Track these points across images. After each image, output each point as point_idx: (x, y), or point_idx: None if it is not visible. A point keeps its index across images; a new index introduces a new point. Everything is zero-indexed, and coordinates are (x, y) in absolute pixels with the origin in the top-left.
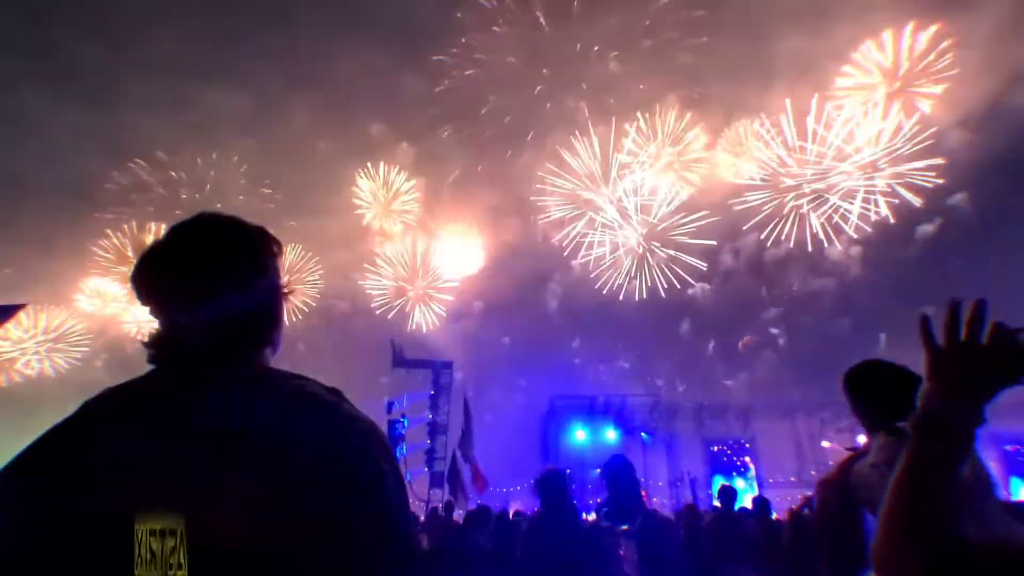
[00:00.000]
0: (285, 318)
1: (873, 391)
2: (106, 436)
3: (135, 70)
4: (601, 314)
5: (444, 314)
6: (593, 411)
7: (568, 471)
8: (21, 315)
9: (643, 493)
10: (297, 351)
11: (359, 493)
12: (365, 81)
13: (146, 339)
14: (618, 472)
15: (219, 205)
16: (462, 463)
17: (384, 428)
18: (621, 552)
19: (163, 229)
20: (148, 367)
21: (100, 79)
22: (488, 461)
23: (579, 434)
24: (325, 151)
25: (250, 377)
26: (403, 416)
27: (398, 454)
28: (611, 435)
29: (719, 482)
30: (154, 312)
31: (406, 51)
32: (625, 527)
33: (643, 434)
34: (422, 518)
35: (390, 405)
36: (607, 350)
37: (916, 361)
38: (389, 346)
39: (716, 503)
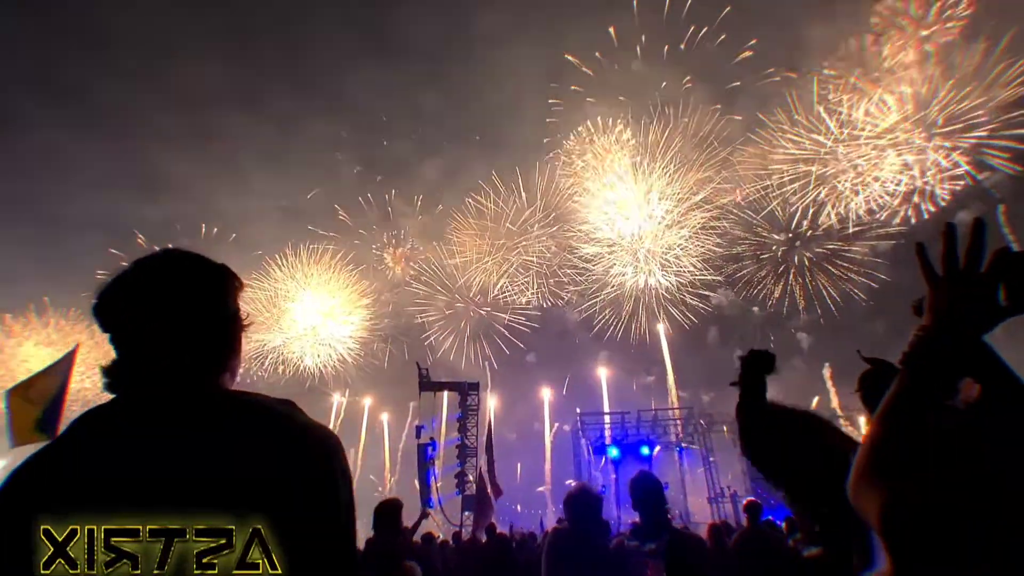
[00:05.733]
0: (242, 347)
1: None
2: (81, 464)
3: (159, 105)
4: (624, 328)
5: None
6: (624, 427)
7: (604, 488)
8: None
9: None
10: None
11: (314, 495)
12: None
13: (105, 366)
14: (645, 488)
15: (234, 235)
16: (486, 481)
17: (415, 453)
18: (648, 573)
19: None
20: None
21: (125, 116)
22: (515, 481)
23: (612, 451)
24: (348, 173)
25: (205, 399)
26: (432, 440)
27: (429, 478)
28: (645, 450)
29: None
30: (114, 340)
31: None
32: (652, 547)
33: (679, 446)
34: (450, 542)
35: (419, 429)
36: (632, 364)
37: None
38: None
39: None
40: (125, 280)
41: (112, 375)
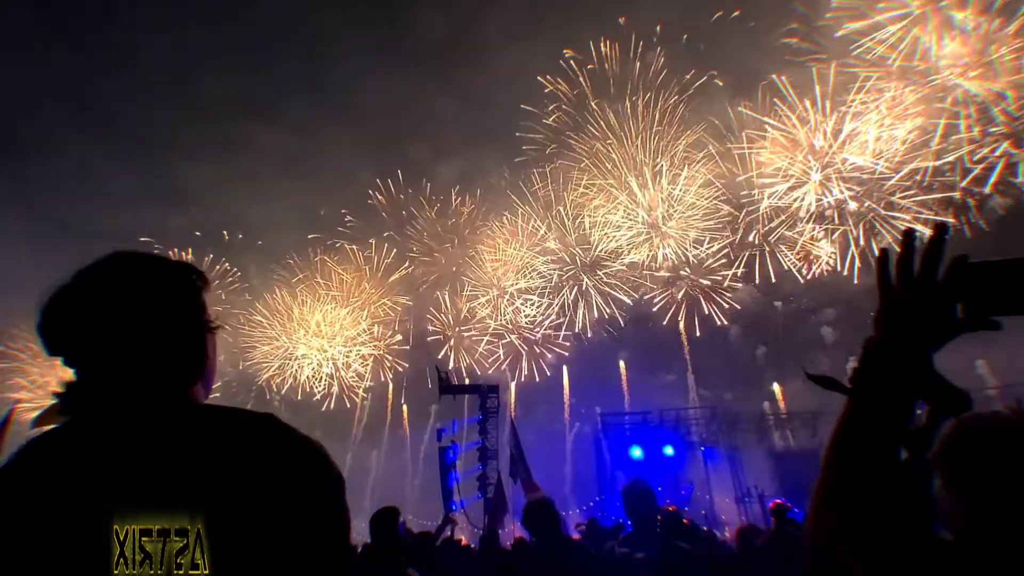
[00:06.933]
0: (213, 353)
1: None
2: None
3: (182, 119)
4: (642, 327)
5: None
6: (647, 427)
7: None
8: None
9: (673, 509)
10: None
11: (297, 499)
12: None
13: (61, 390)
14: (636, 497)
15: (260, 242)
16: (509, 486)
17: (435, 457)
18: None
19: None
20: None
21: (149, 132)
22: (543, 484)
23: (635, 452)
24: (365, 178)
25: (177, 416)
26: (453, 443)
27: (451, 482)
28: (668, 450)
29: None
30: (68, 362)
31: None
32: (641, 555)
33: (701, 448)
34: (472, 545)
35: (440, 433)
36: (651, 363)
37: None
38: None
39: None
40: (69, 293)
41: (69, 398)
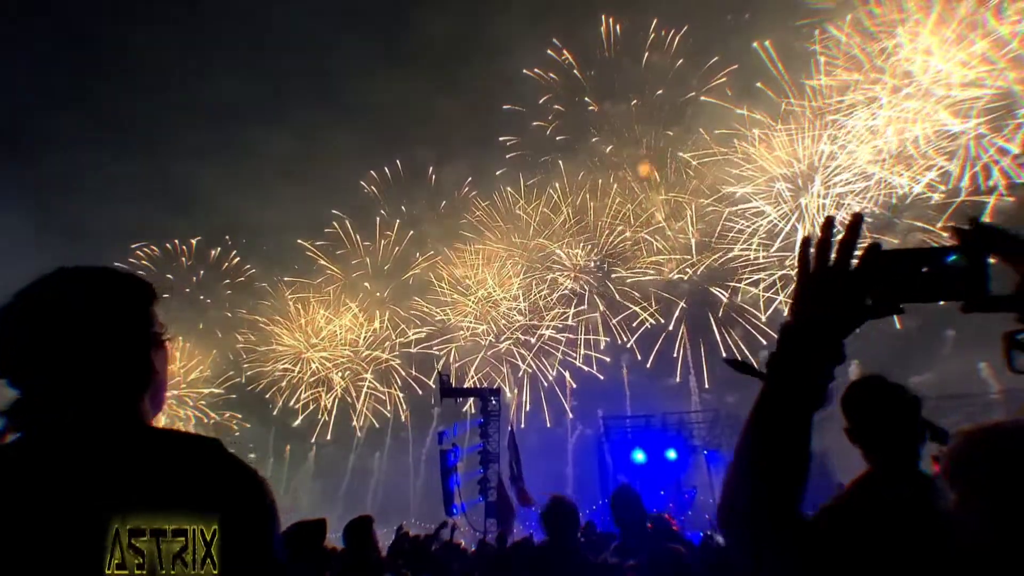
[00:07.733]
0: (162, 367)
1: (872, 412)
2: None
3: (185, 122)
4: (645, 330)
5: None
6: (649, 430)
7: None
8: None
9: (668, 517)
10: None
11: (241, 529)
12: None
13: (4, 409)
14: (624, 504)
15: (265, 248)
16: (510, 489)
17: (437, 459)
18: None
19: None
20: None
21: (152, 134)
22: (544, 488)
23: (638, 455)
24: (368, 180)
25: (122, 436)
26: (454, 446)
27: (452, 485)
28: (671, 454)
29: None
30: (12, 382)
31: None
32: (633, 563)
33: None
34: (472, 548)
35: (441, 436)
36: (653, 366)
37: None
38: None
39: None
40: (10, 315)
41: (15, 416)
